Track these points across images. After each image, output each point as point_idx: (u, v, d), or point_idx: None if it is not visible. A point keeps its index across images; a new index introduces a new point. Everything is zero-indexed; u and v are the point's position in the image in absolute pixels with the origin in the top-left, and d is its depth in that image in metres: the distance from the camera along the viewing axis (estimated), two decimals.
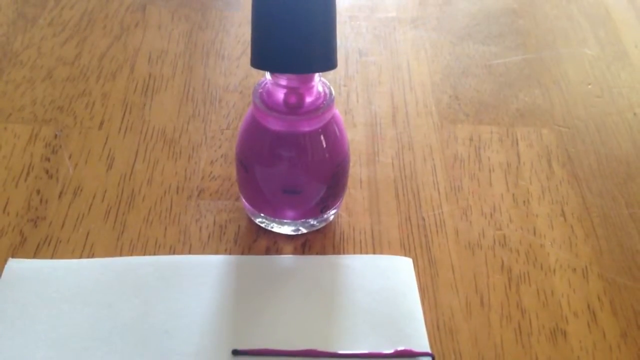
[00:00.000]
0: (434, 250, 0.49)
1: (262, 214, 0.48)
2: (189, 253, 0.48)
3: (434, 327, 0.44)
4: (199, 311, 0.44)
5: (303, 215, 0.48)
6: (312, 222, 0.48)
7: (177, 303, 0.44)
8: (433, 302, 0.46)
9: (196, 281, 0.45)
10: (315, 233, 0.49)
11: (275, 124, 0.43)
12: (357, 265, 0.47)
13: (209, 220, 0.50)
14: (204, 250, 0.48)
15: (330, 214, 0.49)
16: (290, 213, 0.47)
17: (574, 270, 0.48)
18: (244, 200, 0.49)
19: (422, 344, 0.43)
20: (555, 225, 0.51)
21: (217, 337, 0.42)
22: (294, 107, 0.42)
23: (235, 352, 0.41)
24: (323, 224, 0.49)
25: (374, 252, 0.48)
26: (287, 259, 0.47)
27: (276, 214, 0.48)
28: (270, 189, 0.46)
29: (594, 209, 0.52)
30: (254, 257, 0.47)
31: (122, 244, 0.48)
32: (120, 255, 0.47)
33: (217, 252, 0.48)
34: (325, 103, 0.43)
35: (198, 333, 0.42)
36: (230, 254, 0.48)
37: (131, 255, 0.47)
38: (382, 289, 0.45)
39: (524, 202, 0.52)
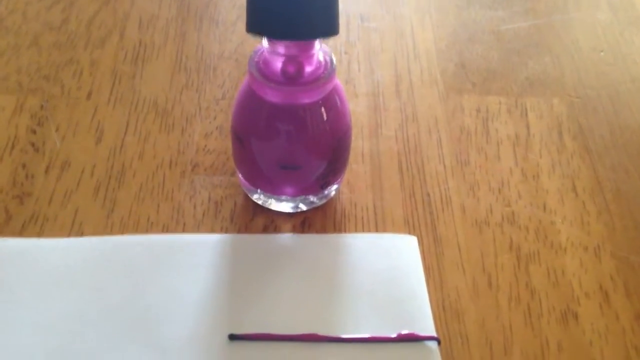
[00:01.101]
0: (439, 228, 0.47)
1: (259, 191, 0.46)
2: (183, 232, 0.45)
3: (440, 309, 0.42)
4: (193, 293, 0.42)
5: (302, 191, 0.45)
6: (311, 199, 0.46)
7: (170, 285, 0.42)
8: (438, 283, 0.44)
9: (190, 262, 0.43)
10: (315, 210, 0.47)
11: (272, 96, 0.40)
12: (359, 244, 0.45)
13: (203, 197, 0.47)
14: (198, 228, 0.46)
15: (331, 190, 0.47)
16: (288, 189, 0.45)
17: (586, 248, 0.46)
18: (240, 176, 0.47)
19: (427, 326, 0.41)
20: (566, 201, 0.49)
21: (213, 321, 0.40)
22: (293, 77, 0.40)
23: (232, 337, 0.39)
24: (323, 201, 0.47)
25: (377, 230, 0.46)
26: (285, 238, 0.45)
27: (274, 191, 0.45)
28: (268, 164, 0.44)
29: (607, 183, 0.50)
30: (251, 236, 0.45)
31: (112, 222, 0.46)
32: (111, 234, 0.45)
33: (212, 231, 0.45)
34: (326, 73, 0.40)
35: (192, 317, 0.40)
36: (226, 232, 0.45)
37: (122, 234, 0.45)
38: (386, 269, 0.43)
39: (534, 176, 0.50)
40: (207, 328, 0.40)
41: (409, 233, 0.46)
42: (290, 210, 0.46)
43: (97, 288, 0.42)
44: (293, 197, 0.46)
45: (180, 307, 0.41)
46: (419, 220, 0.47)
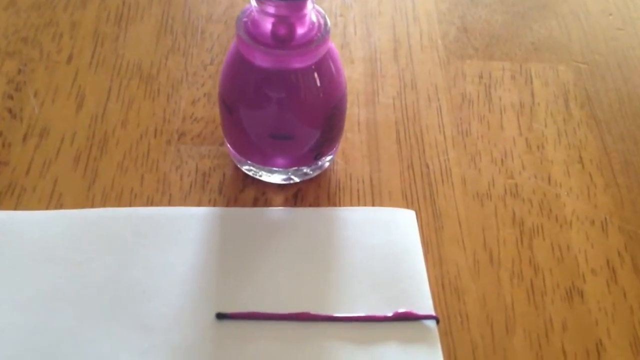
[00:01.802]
0: (438, 201, 0.44)
1: (249, 162, 0.43)
2: (169, 204, 0.43)
3: (438, 287, 0.40)
4: (179, 270, 0.39)
5: (295, 162, 0.43)
6: (305, 170, 0.44)
7: (155, 260, 0.40)
8: (437, 259, 0.42)
9: (176, 236, 0.41)
10: (308, 182, 0.45)
11: (262, 60, 0.38)
12: (355, 218, 0.43)
13: (190, 168, 0.45)
14: (185, 201, 0.43)
15: (325, 161, 0.44)
16: (280, 160, 0.43)
17: (592, 222, 0.44)
18: (228, 146, 0.44)
19: (425, 305, 0.39)
20: (572, 173, 0.47)
21: (200, 299, 0.38)
22: (284, 40, 0.37)
23: (220, 316, 0.37)
24: (317, 172, 0.45)
25: (373, 203, 0.44)
26: (277, 212, 0.43)
27: (265, 162, 0.43)
28: (258, 134, 0.41)
29: (615, 154, 0.48)
30: (241, 209, 0.43)
31: (93, 194, 0.43)
32: (92, 206, 0.43)
33: (199, 203, 0.43)
34: (319, 35, 0.38)
35: (178, 294, 0.38)
36: (214, 205, 0.43)
37: (104, 206, 0.43)
38: (382, 244, 0.41)
39: (538, 147, 0.48)
40: (194, 306, 0.38)
41: (407, 206, 0.44)
42: (282, 182, 0.44)
43: (78, 263, 0.39)
44: (285, 168, 0.43)
45: (165, 285, 0.39)
46: (418, 193, 0.45)
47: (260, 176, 0.44)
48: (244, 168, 0.44)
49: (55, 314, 0.37)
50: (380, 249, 0.41)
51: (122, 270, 0.39)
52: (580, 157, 0.48)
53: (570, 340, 0.39)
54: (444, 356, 0.37)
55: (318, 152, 0.42)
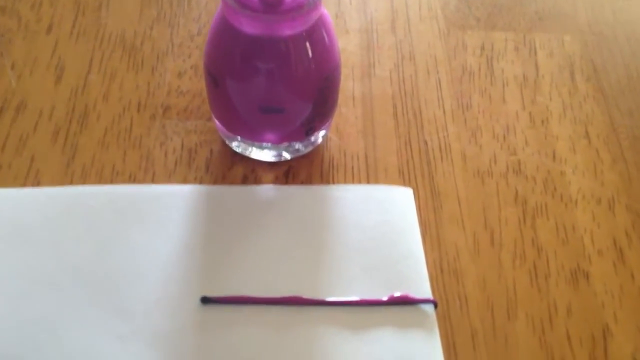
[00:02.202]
0: (437, 179, 0.42)
1: (238, 137, 0.41)
2: (152, 182, 0.41)
3: (437, 269, 0.38)
4: (162, 251, 0.37)
5: (285, 138, 0.41)
6: (296, 147, 0.41)
7: (136, 241, 0.38)
8: (436, 240, 0.40)
9: (160, 215, 0.39)
10: (300, 159, 0.42)
11: (249, 26, 0.35)
12: (349, 197, 0.40)
13: (175, 144, 0.43)
14: (169, 178, 0.41)
15: (318, 137, 0.42)
16: (270, 136, 0.40)
17: (599, 201, 0.42)
18: (216, 121, 0.42)
19: (422, 288, 0.37)
20: (578, 149, 0.44)
21: (184, 282, 0.36)
22: (273, 4, 0.35)
23: (205, 300, 0.35)
24: (310, 149, 0.42)
25: (368, 181, 0.42)
26: (267, 190, 0.41)
27: (254, 137, 0.41)
28: (246, 107, 0.39)
29: (623, 129, 0.46)
30: (229, 187, 0.41)
31: (72, 171, 0.41)
32: (71, 184, 0.40)
33: (185, 181, 0.41)
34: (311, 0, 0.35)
35: (161, 277, 0.36)
36: (200, 183, 0.41)
37: (84, 184, 0.40)
38: (378, 224, 0.39)
39: (543, 121, 0.46)
40: (177, 290, 0.36)
41: (404, 184, 0.42)
42: (273, 159, 0.42)
43: (54, 244, 0.37)
44: (275, 144, 0.41)
45: (147, 267, 0.37)
46: (415, 170, 0.43)
47: (250, 153, 0.42)
48: (233, 144, 0.42)
49: (29, 298, 0.35)
50: (376, 229, 0.39)
51: (102, 252, 0.37)
52: (587, 133, 0.45)
53: (575, 325, 0.37)
54: (442, 342, 0.36)
55: (310, 127, 0.40)
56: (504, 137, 0.45)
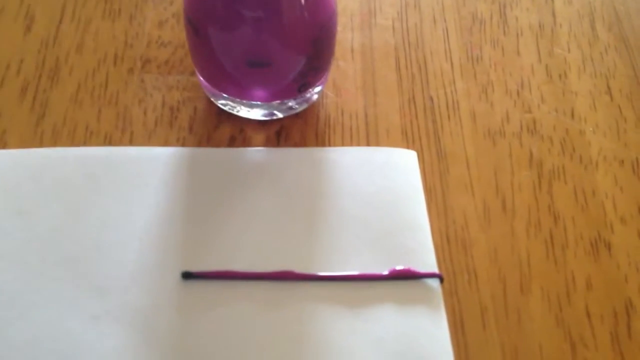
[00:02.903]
0: (444, 140, 0.39)
1: (224, 95, 0.37)
2: (130, 144, 0.37)
3: (443, 239, 0.35)
4: (140, 221, 0.34)
5: (276, 95, 0.37)
6: (289, 104, 0.37)
7: (111, 210, 0.34)
8: (442, 207, 0.36)
9: (137, 181, 0.35)
10: (293, 118, 0.39)
11: None
12: (347, 160, 0.37)
13: (156, 101, 0.39)
14: (149, 140, 0.37)
15: (313, 94, 0.38)
16: (259, 93, 0.36)
17: (622, 163, 0.39)
18: (199, 76, 0.38)
19: (427, 261, 0.34)
20: (599, 106, 0.41)
21: (163, 256, 0.33)
22: None
23: (187, 275, 0.32)
24: (304, 106, 0.38)
25: (368, 143, 0.38)
26: (256, 153, 0.37)
27: (241, 94, 0.37)
28: (231, 61, 0.35)
29: None
30: (214, 149, 0.37)
31: (42, 131, 0.38)
32: (40, 145, 0.37)
33: (166, 143, 0.37)
34: None
35: (138, 250, 0.33)
36: (183, 145, 0.37)
37: (54, 145, 0.37)
38: (378, 191, 0.36)
39: (560, 75, 0.42)
40: (156, 265, 0.32)
41: (407, 146, 0.38)
42: (263, 118, 0.38)
43: (20, 212, 0.34)
44: (266, 102, 0.37)
45: (122, 239, 0.33)
46: (420, 130, 0.39)
47: (239, 112, 0.38)
48: (219, 103, 0.38)
49: None
50: (376, 196, 0.35)
51: (73, 222, 0.33)
52: (608, 88, 0.41)
53: (596, 300, 0.34)
54: (449, 320, 0.33)
55: (303, 83, 0.36)
56: (518, 93, 0.41)
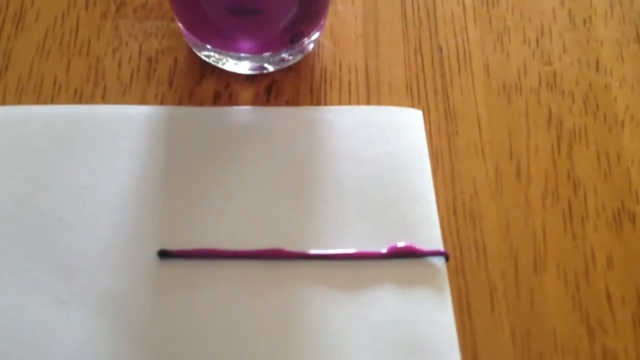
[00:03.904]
0: (453, 97, 0.35)
1: (207, 46, 0.33)
2: (102, 100, 0.33)
3: (449, 211, 0.32)
4: (111, 191, 0.30)
5: (265, 47, 0.33)
6: (282, 56, 0.33)
7: (79, 178, 0.31)
8: (449, 174, 0.32)
9: (109, 145, 0.31)
10: (285, 72, 0.34)
11: None
12: (344, 121, 0.33)
13: (132, 50, 0.35)
14: (124, 96, 0.34)
15: (308, 43, 0.34)
16: (245, 44, 0.32)
17: None
18: (179, 23, 0.33)
19: (431, 236, 0.30)
20: (627, 56, 0.36)
21: (138, 231, 0.29)
22: None
23: (163, 254, 0.29)
24: (298, 58, 0.34)
25: (369, 100, 0.34)
26: (243, 113, 0.33)
27: (226, 46, 0.32)
28: (214, 9, 0.30)
29: None
30: (196, 109, 0.33)
31: (5, 85, 0.34)
32: (3, 102, 0.33)
33: (143, 100, 0.34)
34: None
35: (109, 225, 0.29)
36: (162, 102, 0.33)
37: (19, 102, 0.33)
38: (379, 156, 0.32)
39: (585, 21, 0.37)
40: (129, 240, 0.29)
41: (412, 104, 0.34)
42: (253, 72, 0.34)
43: None
44: (254, 54, 0.33)
45: (92, 211, 0.30)
46: (427, 86, 0.35)
47: (224, 64, 0.34)
48: (203, 54, 0.34)
49: None
50: (376, 163, 0.32)
51: (36, 191, 0.30)
52: (638, 35, 0.37)
53: (617, 279, 0.30)
54: (454, 302, 0.29)
55: (295, 33, 0.32)
56: (537, 42, 0.36)
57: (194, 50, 0.34)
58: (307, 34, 0.33)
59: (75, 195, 0.30)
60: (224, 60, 0.34)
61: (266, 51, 0.33)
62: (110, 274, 0.28)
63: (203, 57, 0.34)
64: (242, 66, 0.34)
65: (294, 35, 0.32)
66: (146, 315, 0.27)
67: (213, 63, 0.34)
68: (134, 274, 0.28)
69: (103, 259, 0.28)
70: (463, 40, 0.36)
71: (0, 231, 0.29)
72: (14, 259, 0.28)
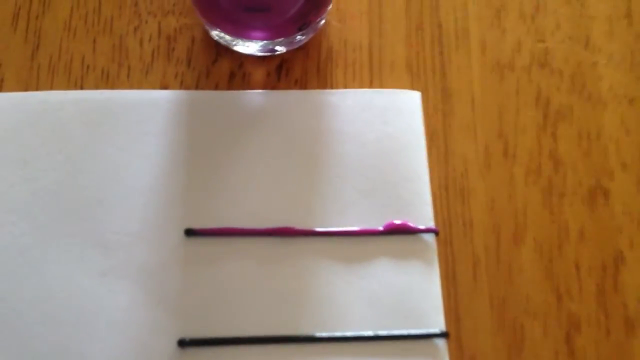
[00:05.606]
0: (450, 76, 0.37)
1: (218, 29, 0.35)
2: (127, 80, 0.36)
3: (441, 188, 0.35)
4: (141, 173, 0.34)
5: (275, 35, 0.35)
6: (291, 40, 0.36)
7: (112, 160, 0.34)
8: (443, 153, 0.36)
9: (137, 129, 0.35)
10: (295, 52, 0.37)
11: None
12: (348, 104, 0.36)
13: (152, 29, 0.37)
14: (146, 75, 0.36)
15: (318, 24, 0.36)
16: (257, 34, 0.35)
17: (631, 101, 0.37)
18: (197, 12, 0.36)
19: (424, 214, 0.34)
20: (616, 32, 0.38)
21: (165, 213, 0.33)
22: None
23: (189, 232, 0.33)
24: (307, 38, 0.36)
25: (371, 79, 0.37)
26: (257, 96, 0.36)
27: (238, 33, 0.35)
28: (228, 6, 0.33)
29: None
30: (213, 93, 0.36)
31: (39, 65, 0.36)
32: (37, 79, 0.36)
33: (164, 80, 0.36)
34: None
35: (140, 205, 0.33)
36: (182, 82, 0.36)
37: (52, 84, 0.36)
38: (379, 138, 0.35)
39: None
40: (159, 221, 0.33)
41: (412, 82, 0.37)
42: (263, 54, 0.36)
43: (23, 163, 0.34)
44: (265, 40, 0.35)
45: (125, 192, 0.33)
46: (426, 63, 0.37)
47: (235, 46, 0.36)
48: (214, 34, 0.36)
49: (2, 227, 0.33)
50: (376, 144, 0.35)
51: (75, 173, 0.34)
52: (629, 11, 0.39)
53: (586, 251, 0.34)
54: (441, 273, 0.33)
55: (303, 23, 0.34)
56: (532, 18, 0.38)
57: (207, 29, 0.37)
58: (314, 21, 0.35)
59: (110, 177, 0.34)
60: (236, 42, 0.36)
61: (275, 38, 0.35)
62: (144, 250, 0.32)
63: (215, 38, 0.36)
64: (252, 48, 0.36)
65: (302, 25, 0.34)
66: (176, 286, 0.32)
67: (225, 44, 0.36)
68: (164, 249, 0.33)
69: (137, 236, 0.33)
70: (462, 17, 0.38)
71: (48, 210, 0.33)
72: (63, 235, 0.32)
